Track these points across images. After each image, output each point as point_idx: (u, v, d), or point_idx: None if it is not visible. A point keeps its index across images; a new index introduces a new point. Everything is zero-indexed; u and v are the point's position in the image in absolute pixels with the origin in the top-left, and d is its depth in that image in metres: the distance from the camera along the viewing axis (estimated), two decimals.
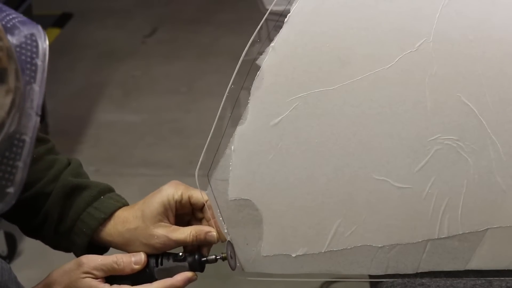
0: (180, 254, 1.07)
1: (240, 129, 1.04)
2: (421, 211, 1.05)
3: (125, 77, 3.49)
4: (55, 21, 3.98)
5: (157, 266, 1.07)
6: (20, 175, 0.80)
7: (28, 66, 0.81)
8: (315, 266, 1.08)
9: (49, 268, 1.07)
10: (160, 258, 1.07)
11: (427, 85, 1.02)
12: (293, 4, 1.01)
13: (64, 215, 1.10)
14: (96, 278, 1.04)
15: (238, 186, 1.06)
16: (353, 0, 1.01)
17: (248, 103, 1.03)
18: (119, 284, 1.04)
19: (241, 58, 1.01)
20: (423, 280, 1.07)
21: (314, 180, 1.05)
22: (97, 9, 4.12)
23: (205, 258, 1.08)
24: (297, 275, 1.08)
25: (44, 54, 0.83)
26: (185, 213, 1.11)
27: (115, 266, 1.05)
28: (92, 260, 1.04)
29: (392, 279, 1.08)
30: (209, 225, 1.09)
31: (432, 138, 1.03)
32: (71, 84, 3.43)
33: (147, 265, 1.07)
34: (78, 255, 1.09)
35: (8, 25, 0.82)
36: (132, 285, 1.05)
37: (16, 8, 0.83)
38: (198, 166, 1.05)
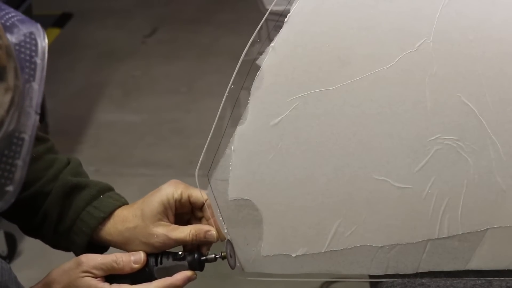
0: (180, 253, 1.07)
1: (240, 129, 1.04)
2: (421, 211, 1.05)
3: (125, 77, 3.49)
4: (55, 21, 3.98)
5: (156, 265, 1.07)
6: (19, 174, 0.80)
7: (27, 64, 0.81)
8: (315, 266, 1.08)
9: (49, 268, 1.07)
10: (160, 257, 1.07)
11: (427, 85, 1.02)
12: (293, 4, 1.01)
13: (64, 214, 1.10)
14: (96, 277, 1.04)
15: (238, 186, 1.05)
16: (353, 0, 1.01)
17: (248, 103, 1.03)
18: (119, 283, 1.04)
19: (241, 58, 1.01)
20: (423, 280, 1.07)
21: (314, 180, 1.05)
22: (97, 9, 4.12)
23: (204, 257, 1.08)
24: (297, 275, 1.08)
25: (43, 53, 0.83)
26: (185, 212, 1.11)
27: (115, 265, 1.05)
28: (91, 259, 1.04)
29: (392, 279, 1.08)
30: (208, 224, 1.09)
31: (432, 138, 1.03)
32: (71, 84, 3.43)
33: (146, 264, 1.07)
34: (77, 254, 1.09)
35: (8, 24, 0.82)
36: (132, 284, 1.05)
37: (16, 8, 0.83)
38: (198, 166, 1.05)
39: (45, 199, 1.10)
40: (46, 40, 0.84)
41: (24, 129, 0.80)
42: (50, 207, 1.10)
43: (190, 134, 3.02)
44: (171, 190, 1.08)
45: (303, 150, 1.04)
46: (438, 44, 1.01)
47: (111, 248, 1.12)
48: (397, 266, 1.08)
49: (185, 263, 1.07)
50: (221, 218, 1.07)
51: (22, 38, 0.82)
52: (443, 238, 1.06)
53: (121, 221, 1.09)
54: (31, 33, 0.83)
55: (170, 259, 1.07)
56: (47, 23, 3.85)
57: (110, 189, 1.13)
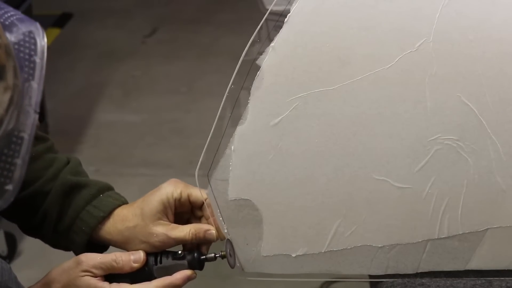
0: (179, 252, 1.07)
1: (240, 129, 1.04)
2: (421, 211, 1.05)
3: (125, 77, 3.49)
4: (55, 21, 3.98)
5: (156, 264, 1.07)
6: (18, 173, 0.80)
7: (27, 63, 0.81)
8: (315, 266, 1.08)
9: (49, 268, 1.07)
10: (159, 256, 1.07)
11: (427, 85, 1.02)
12: (293, 4, 1.01)
13: (63, 213, 1.10)
14: (95, 276, 1.04)
15: (238, 186, 1.05)
16: (353, 0, 1.01)
17: (248, 103, 1.03)
18: (118, 282, 1.04)
19: (241, 58, 1.01)
20: (423, 280, 1.07)
21: (314, 180, 1.05)
22: (97, 9, 4.12)
23: (204, 256, 1.08)
24: (297, 275, 1.08)
25: (43, 52, 0.83)
26: (184, 211, 1.11)
27: (114, 264, 1.05)
28: (91, 259, 1.04)
29: (392, 279, 1.08)
30: (208, 223, 1.09)
31: (432, 138, 1.03)
32: (71, 84, 3.43)
33: (146, 263, 1.07)
34: (77, 253, 1.09)
35: (7, 23, 0.82)
36: (131, 283, 1.05)
37: (16, 8, 0.83)
38: (198, 166, 1.05)
39: (45, 199, 1.10)
40: (45, 39, 0.84)
41: (23, 128, 0.80)
42: (50, 206, 1.10)
43: (190, 134, 3.02)
44: (171, 189, 1.08)
45: (303, 150, 1.04)
46: (438, 44, 1.01)
47: (111, 248, 1.12)
48: (397, 266, 1.08)
49: (185, 262, 1.07)
50: (221, 218, 1.07)
51: (21, 37, 0.82)
52: (443, 238, 1.06)
53: (121, 220, 1.09)
54: (30, 32, 0.83)
55: (170, 258, 1.07)
56: (47, 23, 3.85)
57: (109, 188, 1.13)
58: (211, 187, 1.06)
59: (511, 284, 1.07)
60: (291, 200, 1.06)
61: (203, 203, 1.09)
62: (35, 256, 2.38)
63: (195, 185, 1.09)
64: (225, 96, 1.02)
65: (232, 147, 1.04)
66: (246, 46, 1.01)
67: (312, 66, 1.02)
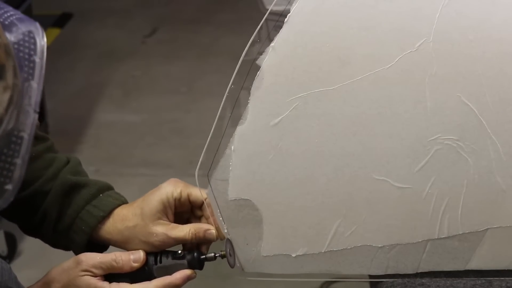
0: (179, 252, 1.07)
1: (240, 129, 1.04)
2: (421, 211, 1.05)
3: (125, 77, 3.49)
4: (55, 21, 3.98)
5: (156, 264, 1.07)
6: (18, 172, 0.80)
7: (26, 63, 0.81)
8: (315, 266, 1.08)
9: (49, 268, 1.07)
10: (159, 256, 1.07)
11: (427, 85, 1.02)
12: (293, 4, 1.01)
13: (63, 213, 1.10)
14: (95, 276, 1.04)
15: (238, 186, 1.05)
16: (353, 0, 1.01)
17: (248, 103, 1.03)
18: (118, 282, 1.04)
19: (241, 58, 1.01)
20: (423, 280, 1.07)
21: (314, 180, 1.05)
22: (97, 9, 4.12)
23: (204, 256, 1.08)
24: (297, 275, 1.08)
25: (42, 51, 0.83)
26: (184, 211, 1.11)
27: (114, 264, 1.05)
28: (90, 258, 1.04)
29: (392, 279, 1.08)
30: (208, 223, 1.09)
31: (432, 138, 1.03)
32: (71, 84, 3.43)
33: (146, 263, 1.07)
34: (77, 253, 1.09)
35: (6, 22, 0.82)
36: (131, 283, 1.05)
37: (16, 8, 0.83)
38: (198, 166, 1.05)
39: (45, 198, 1.10)
40: (45, 39, 0.84)
41: (23, 127, 0.80)
42: (50, 206, 1.10)
43: (190, 134, 3.02)
44: (171, 188, 1.08)
45: (303, 150, 1.04)
46: (438, 44, 1.01)
47: (110, 247, 1.12)
48: (397, 266, 1.08)
49: (185, 262, 1.07)
50: (221, 218, 1.07)
51: (21, 36, 0.82)
52: (443, 238, 1.06)
53: (121, 220, 1.09)
54: (29, 31, 0.83)
55: (170, 258, 1.07)
56: (47, 23, 3.85)
57: (109, 188, 1.13)
58: (211, 187, 1.06)
59: (511, 284, 1.07)
60: (291, 200, 1.06)
61: (203, 202, 1.09)
62: (35, 256, 2.38)
63: (195, 185, 1.09)
64: (225, 96, 1.02)
65: (232, 147, 1.04)
66: (246, 46, 1.01)
67: (312, 66, 1.02)
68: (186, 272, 1.06)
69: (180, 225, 1.08)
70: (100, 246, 1.12)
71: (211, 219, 1.09)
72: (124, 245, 1.09)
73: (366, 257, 1.07)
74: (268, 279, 1.08)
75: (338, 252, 1.07)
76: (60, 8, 4.12)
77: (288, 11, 1.01)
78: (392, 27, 1.01)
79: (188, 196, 1.09)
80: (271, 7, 1.03)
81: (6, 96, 0.76)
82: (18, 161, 0.80)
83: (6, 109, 0.77)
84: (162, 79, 3.45)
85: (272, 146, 1.04)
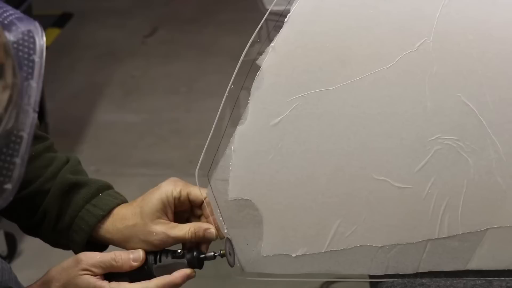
0: (179, 251, 1.07)
1: (240, 129, 1.04)
2: (421, 211, 1.05)
3: (125, 77, 3.49)
4: (55, 21, 3.98)
5: (155, 263, 1.07)
6: (17, 172, 0.80)
7: (26, 62, 0.81)
8: (315, 266, 1.08)
9: (48, 268, 1.07)
10: (159, 255, 1.07)
11: (427, 85, 1.02)
12: (293, 4, 1.01)
13: (63, 212, 1.10)
14: (95, 275, 1.04)
15: (238, 186, 1.05)
16: (353, 0, 1.01)
17: (248, 103, 1.03)
18: (118, 281, 1.04)
19: (241, 58, 1.01)
20: (423, 280, 1.07)
21: (314, 180, 1.05)
22: (97, 9, 4.12)
23: (203, 255, 1.08)
24: (297, 275, 1.08)
25: (42, 51, 0.83)
26: (184, 210, 1.11)
27: (114, 263, 1.05)
28: (90, 257, 1.04)
29: (392, 279, 1.08)
30: (208, 222, 1.09)
31: (432, 138, 1.03)
32: (71, 84, 3.43)
33: (145, 262, 1.07)
34: (77, 252, 1.09)
35: (6, 22, 0.82)
36: (131, 282, 1.05)
37: (16, 8, 0.83)
38: (198, 166, 1.05)
39: (44, 198, 1.10)
40: (44, 38, 0.84)
41: (22, 127, 0.80)
42: (49, 206, 1.10)
43: (190, 134, 3.02)
44: (170, 188, 1.08)
45: (303, 150, 1.04)
46: (438, 44, 1.01)
47: (110, 246, 1.12)
48: (397, 266, 1.07)
49: (184, 261, 1.07)
50: (221, 219, 1.07)
51: (20, 36, 0.82)
52: (443, 238, 1.06)
53: (120, 219, 1.09)
54: (29, 31, 0.83)
55: (169, 257, 1.07)
56: (47, 23, 3.85)
57: (109, 187, 1.13)
58: (211, 187, 1.06)
59: (511, 284, 1.07)
60: (291, 200, 1.06)
61: (203, 202, 1.09)
62: (35, 256, 2.38)
63: (195, 185, 1.09)
64: (225, 96, 1.02)
65: (232, 147, 1.04)
66: (246, 46, 1.01)
67: (312, 66, 1.02)
68: (186, 271, 1.06)
69: (179, 224, 1.08)
70: (100, 245, 1.12)
71: (210, 218, 1.09)
72: (123, 244, 1.09)
73: (366, 257, 1.07)
74: (268, 279, 1.08)
75: (338, 252, 1.07)
76: (60, 8, 4.11)
77: (288, 11, 1.01)
78: (392, 27, 1.01)
79: (188, 195, 1.09)
80: (271, 7, 1.03)
81: (5, 96, 0.76)
82: (18, 160, 0.80)
83: (6, 109, 0.77)
84: (162, 79, 3.45)
85: (272, 146, 1.04)
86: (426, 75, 1.01)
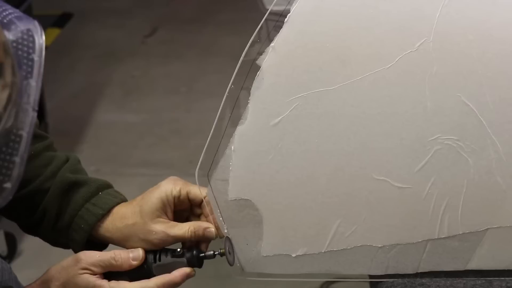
0: (179, 250, 1.07)
1: (240, 129, 1.04)
2: (421, 211, 1.05)
3: (125, 77, 3.49)
4: (55, 21, 3.98)
5: (155, 262, 1.07)
6: (17, 170, 0.80)
7: (25, 61, 0.81)
8: (315, 266, 1.08)
9: (48, 268, 1.07)
10: (158, 254, 1.07)
11: (427, 85, 1.02)
12: (293, 4, 1.01)
13: (62, 211, 1.10)
14: (94, 274, 1.04)
15: (238, 186, 1.05)
16: (353, 0, 1.01)
17: (248, 103, 1.03)
18: (117, 280, 1.05)
19: (241, 58, 1.01)
20: (423, 280, 1.07)
21: (314, 180, 1.05)
22: (97, 9, 4.12)
23: (203, 254, 1.08)
24: (297, 275, 1.08)
25: (41, 50, 0.83)
26: (184, 209, 1.11)
27: (113, 262, 1.05)
28: (90, 256, 1.04)
29: (392, 279, 1.08)
30: (207, 221, 1.09)
31: (432, 138, 1.03)
32: (71, 84, 3.43)
33: (145, 261, 1.07)
34: (76, 251, 1.09)
35: (5, 21, 0.82)
36: (130, 281, 1.05)
37: (16, 8, 0.83)
38: (198, 166, 1.05)
39: (44, 197, 1.10)
40: (44, 37, 0.84)
41: (21, 126, 0.80)
42: (49, 205, 1.10)
43: (190, 134, 3.02)
44: (170, 187, 1.08)
45: (303, 150, 1.04)
46: (438, 44, 1.01)
47: (110, 245, 1.12)
48: (397, 266, 1.07)
49: (184, 260, 1.07)
50: (221, 219, 1.07)
51: (20, 35, 0.82)
52: (443, 238, 1.06)
53: (120, 218, 1.09)
54: (28, 30, 0.83)
55: (169, 256, 1.07)
56: (47, 23, 3.85)
57: (109, 186, 1.13)
58: (211, 187, 1.06)
59: (511, 284, 1.07)
60: (291, 200, 1.06)
61: (202, 200, 1.09)
62: (35, 256, 2.38)
63: (195, 184, 1.09)
64: (225, 96, 1.02)
65: (232, 147, 1.04)
66: (246, 46, 1.01)
67: (312, 66, 1.02)
68: (185, 270, 1.06)
69: (179, 223, 1.08)
70: (100, 244, 1.12)
71: (210, 217, 1.09)
72: (123, 243, 1.09)
73: (366, 257, 1.07)
74: (268, 279, 1.08)
75: (338, 252, 1.07)
76: (60, 8, 4.11)
77: (288, 11, 1.01)
78: (392, 27, 1.01)
79: (187, 194, 1.09)
80: (271, 7, 1.03)
81: (4, 95, 0.76)
82: (17, 159, 0.80)
83: (5, 108, 0.77)
84: (162, 79, 3.45)
85: (272, 146, 1.04)
86: (426, 75, 1.01)
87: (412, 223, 1.06)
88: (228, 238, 1.07)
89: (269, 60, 1.02)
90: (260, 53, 1.02)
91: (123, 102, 3.30)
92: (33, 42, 0.83)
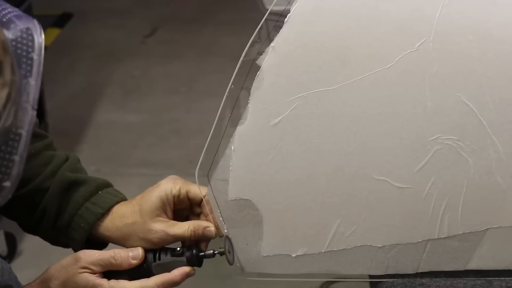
0: (178, 249, 1.07)
1: (240, 129, 1.04)
2: (421, 211, 1.05)
3: (125, 77, 3.49)
4: (55, 21, 3.98)
5: (155, 261, 1.07)
6: (16, 169, 0.80)
7: (24, 60, 0.81)
8: (315, 266, 1.08)
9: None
10: (158, 253, 1.07)
11: (427, 85, 1.02)
12: (293, 4, 1.01)
13: (62, 210, 1.10)
14: (94, 273, 1.04)
15: (238, 186, 1.05)
16: (353, 0, 1.01)
17: (248, 103, 1.03)
18: (117, 279, 1.05)
19: (241, 58, 1.01)
20: (423, 280, 1.07)
21: (314, 180, 1.05)
22: (97, 9, 4.12)
23: (203, 253, 1.08)
24: (297, 275, 1.08)
25: (40, 48, 0.83)
26: (183, 208, 1.11)
27: (113, 261, 1.05)
28: (89, 255, 1.04)
29: (392, 279, 1.08)
30: (207, 220, 1.09)
31: (432, 138, 1.03)
32: (71, 84, 3.43)
33: (145, 260, 1.07)
34: (76, 250, 1.09)
35: (4, 20, 0.82)
36: (130, 280, 1.05)
37: (16, 8, 0.83)
38: (198, 166, 1.05)
39: (44, 196, 1.10)
40: (43, 36, 0.84)
41: (21, 124, 0.80)
42: (49, 204, 1.10)
43: (190, 134, 3.02)
44: (170, 186, 1.08)
45: (303, 150, 1.04)
46: (438, 44, 1.01)
47: (109, 244, 1.12)
48: (397, 266, 1.07)
49: (184, 259, 1.07)
50: (221, 218, 1.07)
51: (19, 33, 0.82)
52: (443, 238, 1.06)
53: (120, 217, 1.09)
54: (27, 28, 0.83)
55: (169, 255, 1.07)
56: (47, 23, 3.85)
57: (108, 185, 1.13)
58: (211, 187, 1.06)
59: (511, 284, 1.07)
60: (291, 200, 1.06)
61: (202, 200, 1.09)
62: (35, 255, 2.38)
63: (195, 183, 1.09)
64: (225, 96, 1.02)
65: (232, 147, 1.04)
66: (246, 46, 1.01)
67: (312, 66, 1.02)
68: (185, 269, 1.06)
69: (179, 222, 1.08)
70: (99, 243, 1.12)
71: (210, 217, 1.09)
72: (123, 242, 1.09)
73: (366, 257, 1.07)
74: (268, 279, 1.08)
75: (338, 252, 1.07)
76: (60, 8, 4.11)
77: (288, 11, 1.01)
78: (392, 27, 1.01)
79: (187, 193, 1.09)
80: (271, 7, 1.03)
81: (3, 93, 0.76)
82: (16, 158, 0.80)
83: (4, 106, 0.77)
84: (162, 79, 3.45)
85: (272, 146, 1.04)
86: (426, 75, 1.01)
87: (412, 223, 1.06)
88: (227, 237, 1.07)
89: (269, 60, 1.02)
90: (260, 53, 1.02)
91: (123, 102, 3.30)
92: (33, 41, 0.83)
